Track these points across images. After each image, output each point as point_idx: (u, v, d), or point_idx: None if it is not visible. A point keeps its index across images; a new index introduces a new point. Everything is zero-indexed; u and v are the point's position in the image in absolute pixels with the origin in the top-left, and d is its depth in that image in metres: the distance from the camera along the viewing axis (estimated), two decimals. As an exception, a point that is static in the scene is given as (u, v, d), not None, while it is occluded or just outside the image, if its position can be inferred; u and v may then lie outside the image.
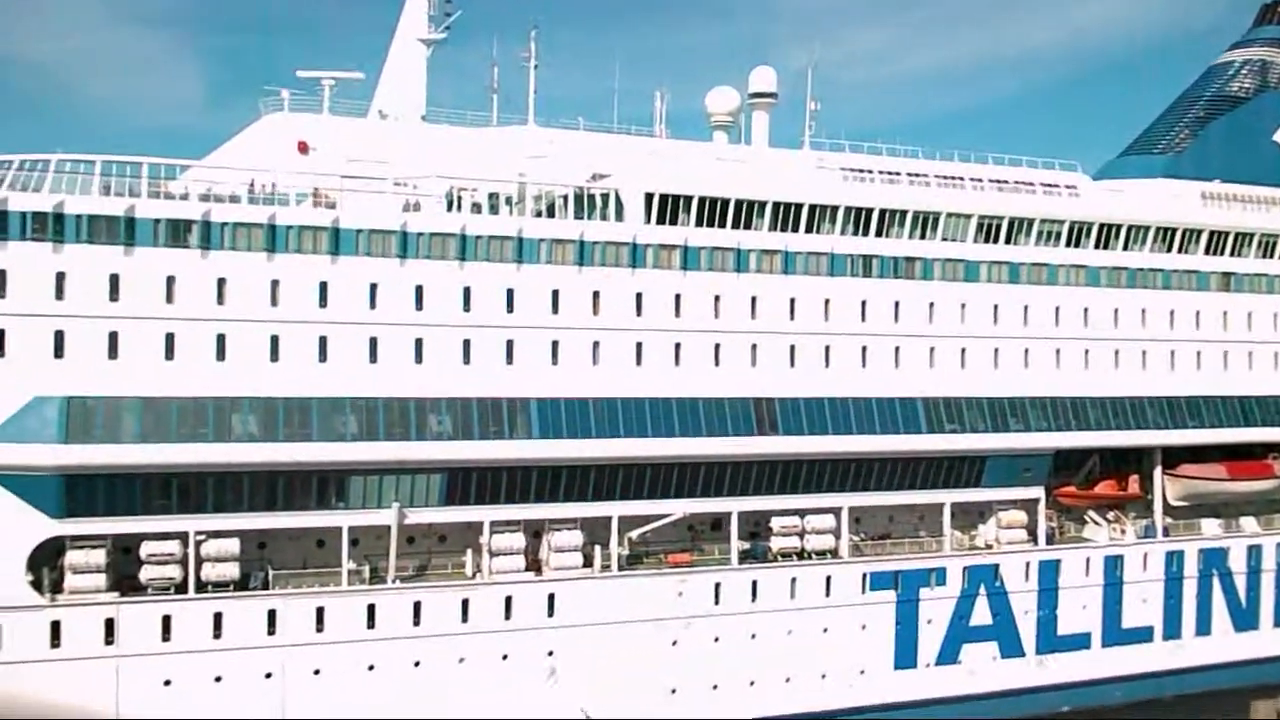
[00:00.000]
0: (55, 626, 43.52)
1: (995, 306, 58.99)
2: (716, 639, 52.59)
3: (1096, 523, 62.77)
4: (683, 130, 65.58)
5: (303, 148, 52.85)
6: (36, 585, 43.52)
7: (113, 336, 44.47)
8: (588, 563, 50.92)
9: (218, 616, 45.36)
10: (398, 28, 58.09)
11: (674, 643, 51.83)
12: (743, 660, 53.13)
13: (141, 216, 45.15)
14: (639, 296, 51.79)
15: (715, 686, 52.74)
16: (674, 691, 52.05)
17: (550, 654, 49.81)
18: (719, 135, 63.88)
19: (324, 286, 47.20)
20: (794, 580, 54.12)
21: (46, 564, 44.04)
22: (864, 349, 55.83)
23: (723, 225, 53.66)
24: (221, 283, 45.88)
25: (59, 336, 43.86)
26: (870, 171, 59.26)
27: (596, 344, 50.95)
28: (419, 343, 48.33)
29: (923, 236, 58.01)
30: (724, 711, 52.73)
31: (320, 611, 46.62)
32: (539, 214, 52.20)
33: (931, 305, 57.50)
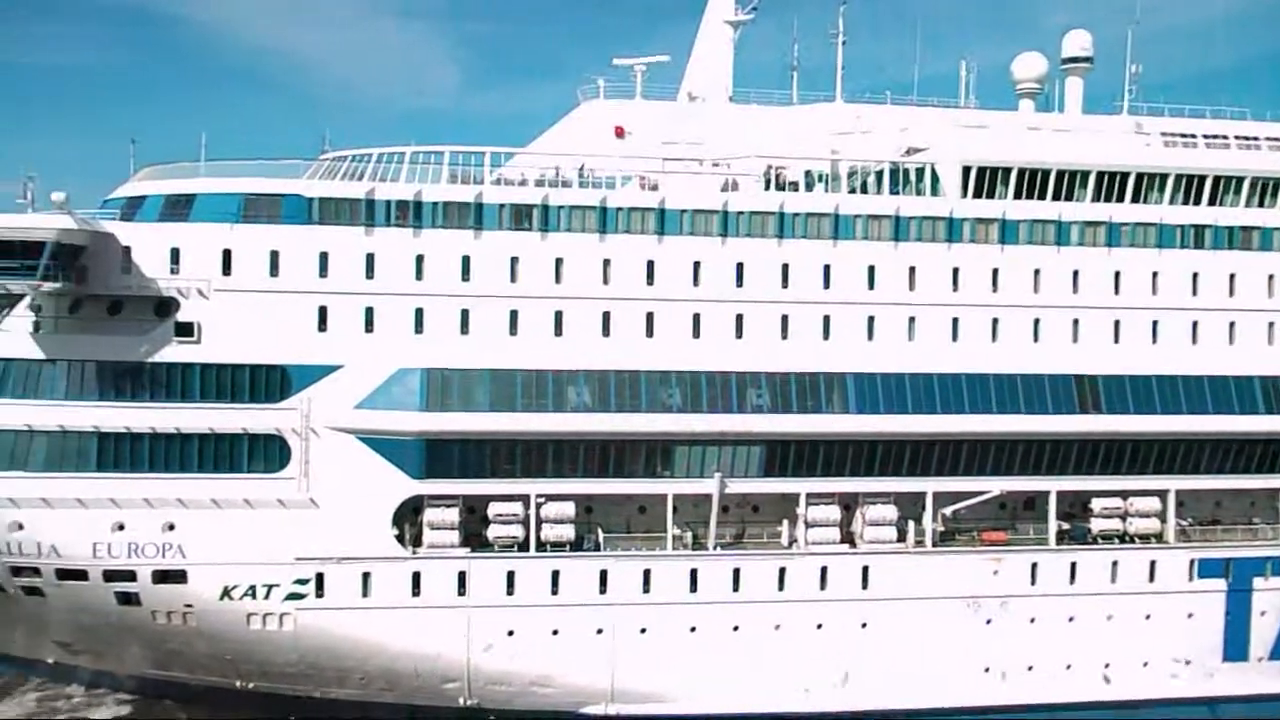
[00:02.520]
0: (416, 577, 47.88)
1: None
2: (1032, 620, 51.58)
3: None
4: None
5: (619, 132, 55.31)
6: (399, 539, 48.01)
7: (464, 313, 48.29)
8: (900, 537, 51.02)
9: (555, 574, 48.56)
10: (705, 11, 59.66)
11: (988, 621, 51.23)
12: (1059, 643, 51.89)
13: (489, 202, 48.71)
14: (955, 271, 51.22)
15: (1030, 668, 51.81)
16: (987, 670, 51.51)
17: (864, 625, 50.32)
18: (1025, 103, 61.85)
19: (650, 265, 49.35)
20: (1115, 564, 52.25)
21: (407, 520, 48.46)
22: (1194, 324, 52.98)
23: (1042, 197, 52.16)
24: (559, 262, 48.84)
25: (419, 314, 48.05)
26: (1193, 136, 55.92)
27: (912, 319, 50.83)
28: (739, 319, 49.74)
29: (1260, 204, 54.29)
30: (1040, 695, 51.74)
31: (647, 574, 49.01)
32: (852, 190, 52.43)
33: (1271, 278, 53.80)
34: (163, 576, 46.63)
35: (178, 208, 47.69)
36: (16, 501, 45.54)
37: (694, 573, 49.35)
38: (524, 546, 48.65)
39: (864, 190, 52.66)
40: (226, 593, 46.87)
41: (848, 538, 51.20)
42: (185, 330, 46.83)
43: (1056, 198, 52.17)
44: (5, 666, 54.14)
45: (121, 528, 46.13)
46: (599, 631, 48.70)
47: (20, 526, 45.67)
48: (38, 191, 48.25)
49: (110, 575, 46.41)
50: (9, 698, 52.44)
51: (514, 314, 48.53)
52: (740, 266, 49.82)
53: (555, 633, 48.50)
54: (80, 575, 46.38)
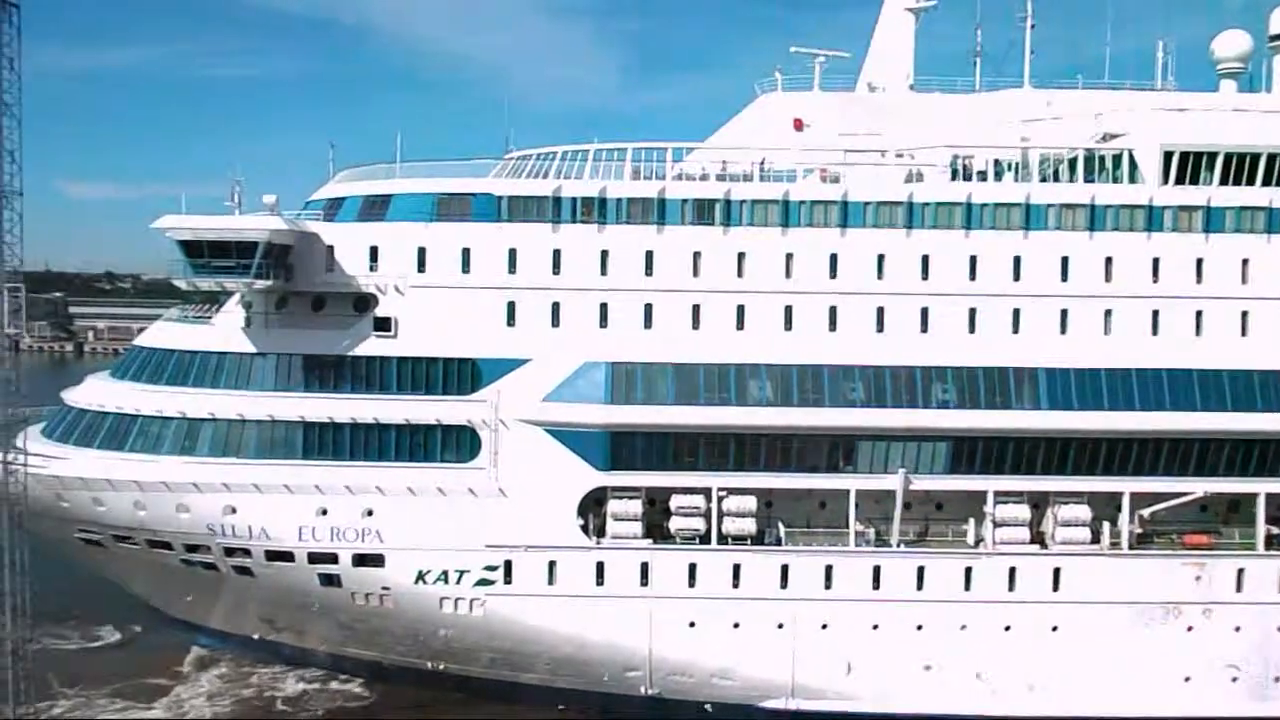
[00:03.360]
0: (600, 567, 48.76)
1: None
2: (1237, 629, 48.95)
3: None
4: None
5: (798, 125, 54.99)
6: (584, 530, 48.96)
7: (648, 308, 48.87)
8: (1094, 539, 49.15)
9: (736, 568, 48.68)
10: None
11: (1189, 629, 48.87)
12: (1269, 653, 49.07)
13: (671, 198, 49.12)
14: (1155, 262, 48.93)
15: (1234, 679, 49.20)
16: (1187, 680, 49.15)
17: (1054, 629, 48.71)
18: (1227, 84, 58.49)
19: (834, 258, 48.87)
20: (1334, 573, 49.07)
21: (590, 511, 49.38)
22: None
23: (1250, 182, 49.31)
24: (741, 257, 48.88)
25: (603, 308, 48.87)
26: None
27: (1108, 313, 48.83)
28: (924, 313, 48.79)
29: None
30: (1247, 708, 49.09)
31: (829, 569, 48.62)
32: (1044, 179, 50.72)
33: None
34: (362, 560, 48.83)
35: (375, 208, 49.81)
36: (230, 486, 48.39)
37: (877, 570, 48.70)
38: (705, 539, 48.91)
39: (1056, 179, 50.84)
40: (421, 577, 48.73)
41: (1037, 538, 49.60)
42: (383, 325, 48.91)
43: (1267, 183, 49.23)
44: (212, 640, 57.64)
45: (325, 513, 48.49)
46: (780, 626, 48.59)
47: (233, 510, 48.54)
48: (232, 195, 50.92)
49: (314, 557, 48.88)
50: (211, 667, 55.79)
51: (696, 308, 48.84)
52: (926, 259, 48.84)
53: (736, 626, 48.64)
54: (287, 557, 49.00)
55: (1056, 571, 48.81)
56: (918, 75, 57.95)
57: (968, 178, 50.70)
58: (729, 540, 48.91)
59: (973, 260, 48.80)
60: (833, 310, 48.79)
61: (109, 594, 58.93)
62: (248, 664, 55.85)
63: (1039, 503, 49.67)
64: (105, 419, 50.57)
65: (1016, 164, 51.66)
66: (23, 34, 36.31)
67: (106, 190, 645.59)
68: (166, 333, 53.08)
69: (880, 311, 48.82)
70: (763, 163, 50.99)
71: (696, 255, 48.93)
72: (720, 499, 48.69)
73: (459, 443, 48.71)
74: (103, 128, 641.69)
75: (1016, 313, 48.76)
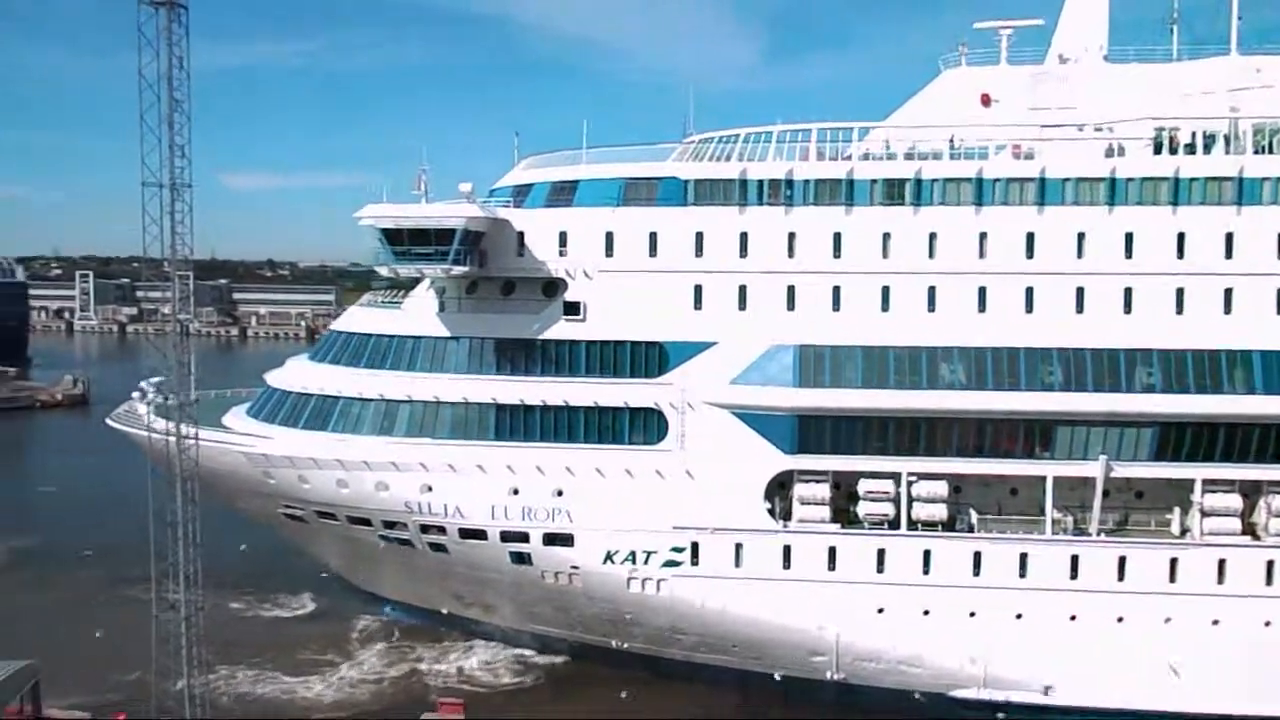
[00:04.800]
0: (786, 550, 48.58)
1: None
2: None
3: None
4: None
5: (985, 100, 53.29)
6: (770, 513, 48.85)
7: (836, 290, 48.31)
8: (1313, 531, 46.54)
9: (927, 554, 47.84)
10: (1080, -34, 56.18)
11: None
12: None
13: (860, 178, 48.39)
14: None
15: None
16: None
17: (1267, 624, 46.35)
18: None
19: (1030, 237, 47.38)
20: None
21: (777, 495, 49.22)
22: None
23: None
24: (932, 237, 47.84)
25: (790, 291, 48.53)
26: None
27: None
28: (1128, 292, 46.87)
29: None
30: None
31: (1024, 558, 47.33)
32: (1259, 151, 48.05)
33: None
34: (552, 539, 49.84)
35: (563, 194, 50.57)
36: (427, 466, 49.99)
37: (1074, 559, 47.18)
38: (894, 525, 48.22)
39: (1270, 150, 48.09)
40: (609, 557, 49.47)
41: (1249, 529, 47.23)
42: (572, 309, 49.69)
43: None
44: (401, 613, 59.84)
45: (516, 492, 49.67)
46: (971, 615, 47.58)
47: (429, 489, 50.14)
48: (419, 183, 52.18)
49: (506, 536, 50.14)
50: (378, 642, 57.60)
51: (886, 290, 48.06)
52: (1129, 237, 46.88)
53: (926, 613, 47.84)
54: (480, 535, 50.40)
55: (1270, 564, 46.39)
56: (1114, 44, 55.44)
57: (1174, 151, 48.36)
58: (918, 526, 48.08)
59: (1180, 237, 46.63)
60: (1029, 291, 47.33)
61: (312, 565, 61.88)
62: (418, 640, 57.57)
63: (1250, 492, 47.26)
64: (308, 400, 52.85)
65: (1227, 136, 48.96)
66: (190, 32, 37.29)
67: (266, 180, 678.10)
68: (363, 317, 55.13)
69: (1080, 292, 47.12)
70: (952, 140, 49.68)
71: (886, 236, 48.10)
72: (910, 484, 47.89)
73: (646, 425, 49.18)
74: (262, 121, 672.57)
75: (1229, 292, 46.40)
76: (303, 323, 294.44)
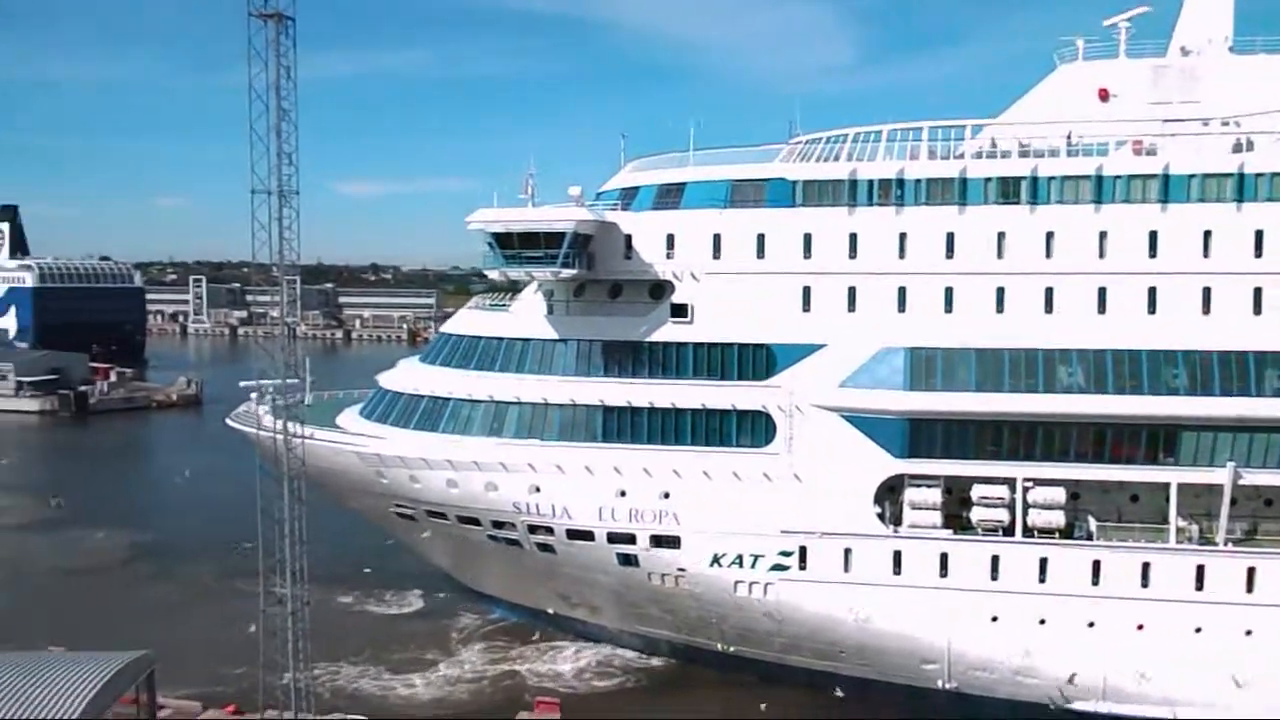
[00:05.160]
0: (897, 556, 47.83)
1: None
2: None
3: None
4: None
5: (1103, 95, 51.72)
6: (880, 518, 48.15)
7: (948, 291, 47.43)
8: None
9: (1043, 562, 46.62)
10: (1201, -45, 54.19)
11: None
12: None
13: (973, 176, 47.45)
14: None
15: None
16: None
17: None
18: None
19: (1153, 236, 45.89)
20: None
21: (886, 499, 48.50)
22: None
23: None
24: (1049, 236, 46.64)
25: (901, 292, 47.81)
26: None
27: None
28: (1257, 293, 45.06)
29: None
30: None
31: (1146, 567, 45.79)
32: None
33: None
34: (659, 541, 49.91)
35: (670, 196, 50.66)
36: (535, 466, 50.52)
37: (1200, 570, 45.46)
38: (1008, 531, 47.11)
39: None
40: (716, 560, 49.33)
41: (1391, 540, 45.00)
42: (679, 311, 49.75)
43: None
44: (507, 611, 60.57)
45: (624, 494, 49.86)
46: (1090, 625, 46.19)
47: (538, 489, 50.65)
48: (526, 187, 52.78)
49: (613, 537, 50.36)
50: (477, 642, 58.09)
51: (1000, 291, 47.03)
52: (1260, 235, 45.06)
53: (1042, 622, 46.62)
54: (587, 536, 50.72)
55: None
56: (1236, 36, 53.34)
57: (1311, 144, 46.34)
58: (1034, 533, 46.90)
59: None
60: (1152, 291, 45.82)
61: (420, 564, 63.05)
62: (521, 640, 58.06)
63: None
64: (420, 401, 53.88)
65: (1366, 129, 46.76)
66: (297, 44, 38.26)
67: (371, 186, 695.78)
68: (472, 320, 55.99)
69: (1206, 292, 45.45)
70: (1069, 136, 48.37)
71: (1000, 235, 47.07)
72: (1026, 490, 46.74)
73: (754, 428, 48.94)
74: (368, 129, 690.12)
75: None
76: (404, 325, 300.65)
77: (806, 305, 48.66)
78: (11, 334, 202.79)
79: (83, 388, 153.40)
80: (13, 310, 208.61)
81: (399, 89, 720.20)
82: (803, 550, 48.61)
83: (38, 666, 34.75)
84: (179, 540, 76.19)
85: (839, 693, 50.08)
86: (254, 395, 58.74)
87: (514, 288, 55.90)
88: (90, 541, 77.84)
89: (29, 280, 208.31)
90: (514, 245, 48.88)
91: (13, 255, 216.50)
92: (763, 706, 49.34)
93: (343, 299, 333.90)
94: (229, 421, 61.31)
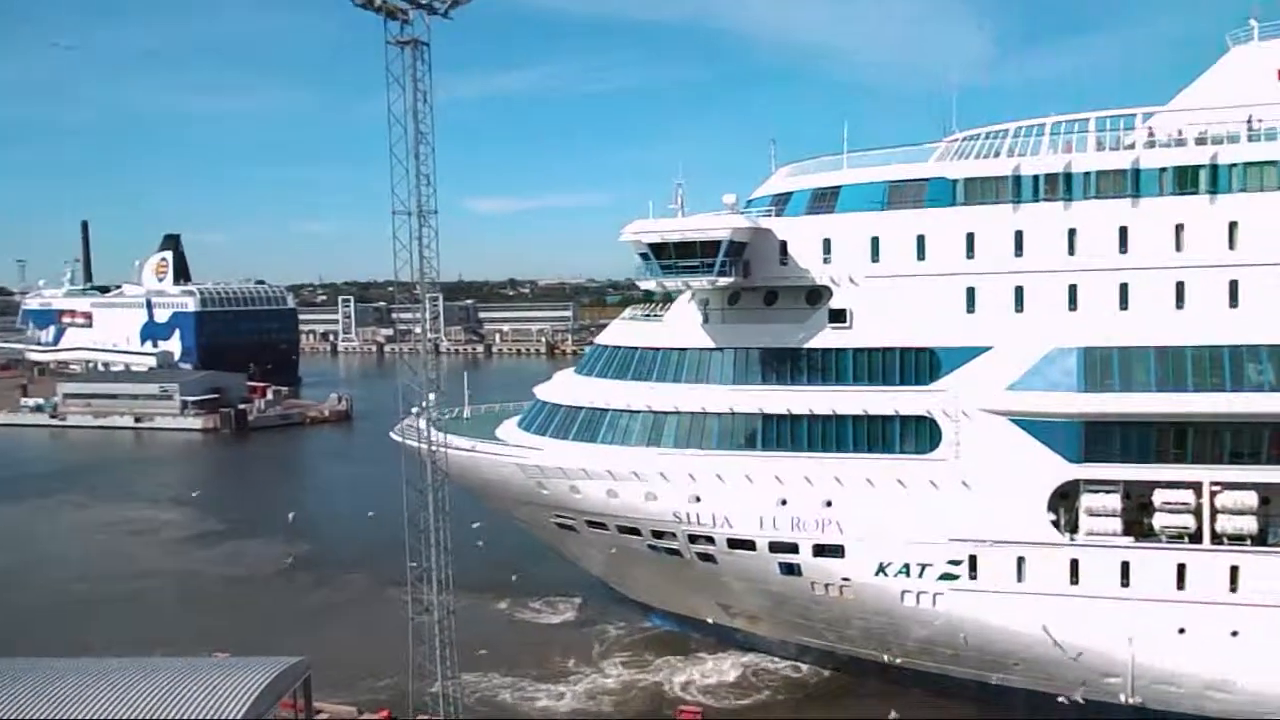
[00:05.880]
0: (1074, 565, 45.96)
1: None
2: None
3: None
4: None
5: (1283, 75, 48.83)
6: (1054, 525, 46.36)
7: (1123, 287, 45.46)
8: None
9: (1234, 570, 44.13)
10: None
11: None
12: None
13: (1147, 166, 45.40)
14: None
15: None
16: None
17: None
18: None
19: None
20: None
21: (1060, 506, 46.66)
22: None
23: None
24: (1232, 226, 44.26)
25: (1072, 290, 46.03)
26: None
27: None
28: None
29: None
30: None
31: None
32: None
33: None
34: (821, 550, 49.17)
35: (824, 200, 50.03)
36: (695, 476, 50.43)
37: None
38: (1195, 538, 44.75)
39: None
40: (881, 569, 48.32)
41: None
42: (838, 316, 49.03)
43: None
44: (664, 620, 60.59)
45: (785, 503, 49.32)
46: None
47: (698, 499, 50.54)
48: (675, 197, 52.84)
49: (775, 546, 49.86)
50: (616, 654, 57.91)
51: (1180, 285, 44.83)
52: None
53: (1234, 634, 44.09)
54: (748, 545, 50.34)
55: None
56: None
57: None
58: (1223, 540, 44.44)
59: None
60: None
61: (576, 572, 63.72)
62: (674, 649, 57.81)
63: None
64: (578, 413, 54.48)
65: None
66: (432, 68, 39.23)
67: (507, 203, 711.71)
68: (627, 331, 56.35)
69: None
70: (1250, 120, 45.82)
71: (1179, 228, 44.88)
72: (1213, 494, 44.34)
73: (918, 433, 47.82)
74: (503, 146, 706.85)
75: None
76: (542, 339, 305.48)
77: (971, 306, 47.33)
78: (176, 356, 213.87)
79: (242, 406, 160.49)
80: (177, 333, 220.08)
81: (529, 107, 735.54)
82: (972, 559, 47.20)
83: (202, 671, 36.46)
84: (333, 550, 79.23)
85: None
86: (415, 410, 60.54)
87: (668, 298, 55.92)
88: (251, 552, 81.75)
89: (191, 305, 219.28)
90: (669, 255, 49.01)
91: (176, 281, 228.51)
92: (892, 714, 48.07)
93: (483, 314, 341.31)
94: (393, 435, 63.03)
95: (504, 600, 65.43)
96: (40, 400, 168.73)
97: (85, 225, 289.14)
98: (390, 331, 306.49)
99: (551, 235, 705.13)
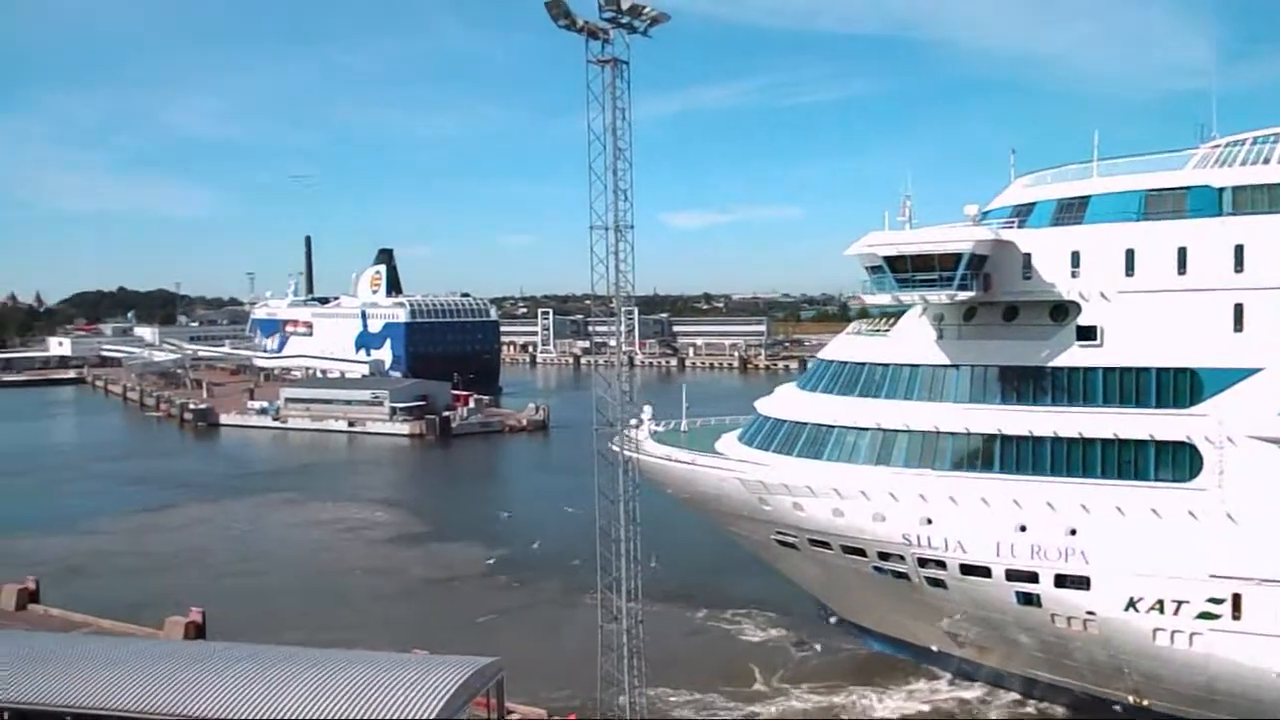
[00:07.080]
0: None
1: None
2: None
3: None
4: None
5: None
6: None
7: None
8: None
9: None
10: None
11: None
12: None
13: None
14: None
15: None
16: None
17: None
18: None
19: None
20: None
21: None
22: None
23: None
24: None
25: None
26: None
27: None
28: None
29: None
30: None
31: None
32: None
33: None
34: (1064, 581, 46.44)
35: (1072, 211, 47.51)
36: (926, 497, 48.60)
37: None
38: None
39: None
40: (1132, 604, 45.23)
41: None
42: (1087, 334, 46.36)
43: None
44: (884, 645, 58.59)
45: (1024, 529, 46.88)
46: None
47: (929, 521, 48.67)
48: (903, 210, 51.26)
49: (1012, 575, 47.42)
50: (806, 681, 55.89)
51: None
52: None
53: None
54: (983, 572, 48.08)
55: None
56: None
57: None
58: None
59: None
60: None
61: (787, 588, 62.61)
62: (889, 674, 55.71)
63: None
64: (802, 428, 53.50)
65: None
66: (631, 86, 39.43)
67: (701, 218, 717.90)
68: (853, 346, 55.04)
69: None
70: None
71: None
72: None
73: (1175, 460, 44.58)
74: (697, 161, 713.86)
75: None
76: (735, 353, 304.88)
77: (1239, 324, 43.83)
78: (387, 364, 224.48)
79: (446, 413, 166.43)
80: (388, 343, 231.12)
81: (723, 122, 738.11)
82: (1236, 597, 43.56)
83: (403, 666, 37.49)
84: (532, 554, 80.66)
85: None
86: (633, 421, 61.04)
87: (885, 313, 54.39)
88: (452, 553, 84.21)
89: (402, 316, 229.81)
90: (906, 268, 47.50)
91: (388, 293, 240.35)
92: None
93: (677, 328, 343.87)
94: (611, 445, 63.65)
95: (700, 610, 65.04)
96: (265, 403, 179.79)
97: (308, 240, 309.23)
98: (586, 344, 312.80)
99: (745, 249, 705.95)
